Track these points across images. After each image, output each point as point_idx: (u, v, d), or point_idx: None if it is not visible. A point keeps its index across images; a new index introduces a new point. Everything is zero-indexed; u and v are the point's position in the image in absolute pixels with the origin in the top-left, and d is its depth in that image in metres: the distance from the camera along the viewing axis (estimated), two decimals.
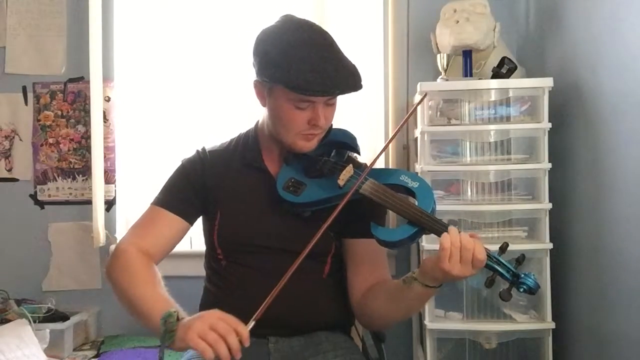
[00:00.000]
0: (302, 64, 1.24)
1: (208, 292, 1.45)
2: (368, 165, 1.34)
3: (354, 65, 1.32)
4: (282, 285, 1.14)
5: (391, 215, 2.03)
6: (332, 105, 1.33)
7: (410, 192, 1.28)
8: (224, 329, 1.06)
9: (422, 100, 1.54)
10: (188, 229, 1.42)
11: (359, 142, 1.46)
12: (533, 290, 1.16)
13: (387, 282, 1.35)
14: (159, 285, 1.26)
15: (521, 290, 1.16)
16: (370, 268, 1.38)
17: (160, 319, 1.11)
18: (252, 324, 1.10)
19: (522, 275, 1.16)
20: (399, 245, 1.26)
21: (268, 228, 1.37)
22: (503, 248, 1.20)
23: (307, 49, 1.26)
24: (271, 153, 1.43)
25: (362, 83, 1.32)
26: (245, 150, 1.44)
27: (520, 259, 1.19)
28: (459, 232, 1.15)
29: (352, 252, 1.41)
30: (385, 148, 1.36)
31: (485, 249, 1.16)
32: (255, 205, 1.40)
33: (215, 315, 1.09)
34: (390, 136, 2.29)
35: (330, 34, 1.34)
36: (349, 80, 1.29)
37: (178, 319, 1.11)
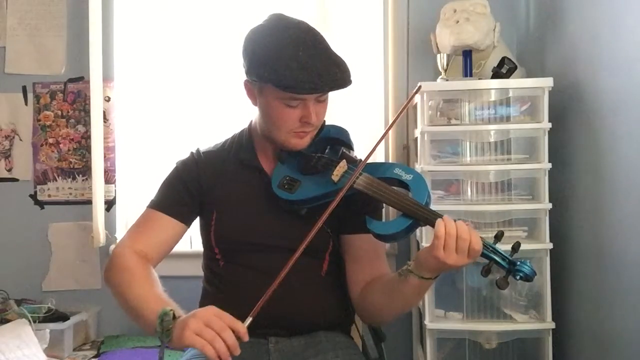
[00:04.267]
0: (290, 62, 1.24)
1: (207, 293, 1.44)
2: (362, 160, 1.34)
3: (343, 62, 1.32)
4: (280, 281, 1.13)
5: (390, 210, 2.03)
6: (323, 102, 1.33)
7: (404, 184, 1.29)
8: (219, 325, 1.06)
9: (415, 92, 1.51)
10: (185, 231, 1.42)
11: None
12: (529, 278, 1.15)
13: (385, 276, 1.35)
14: (156, 285, 1.25)
15: (517, 277, 1.15)
16: (369, 263, 1.39)
17: (156, 319, 1.11)
18: (249, 320, 1.10)
19: (518, 263, 1.16)
20: (395, 238, 1.27)
21: (265, 227, 1.37)
22: (498, 236, 1.19)
23: (295, 47, 1.26)
24: (265, 152, 1.43)
25: (352, 79, 1.31)
26: (239, 150, 1.44)
27: (516, 247, 1.18)
28: (455, 220, 1.15)
29: (349, 248, 1.41)
30: (380, 141, 1.35)
31: (481, 237, 1.15)
32: (251, 204, 1.40)
33: (210, 312, 1.09)
34: (389, 136, 2.29)
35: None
36: (338, 76, 1.28)
37: (174, 318, 1.10)
